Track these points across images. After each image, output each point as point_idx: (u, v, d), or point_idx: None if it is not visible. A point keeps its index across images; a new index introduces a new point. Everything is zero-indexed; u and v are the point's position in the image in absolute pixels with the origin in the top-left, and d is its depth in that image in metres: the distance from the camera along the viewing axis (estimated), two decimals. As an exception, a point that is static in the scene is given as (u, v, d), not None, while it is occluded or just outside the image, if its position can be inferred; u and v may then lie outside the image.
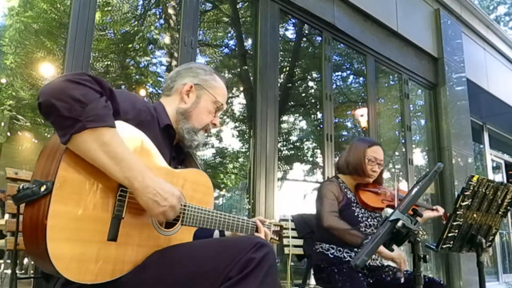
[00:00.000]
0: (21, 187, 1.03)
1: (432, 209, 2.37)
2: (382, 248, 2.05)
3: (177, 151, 1.46)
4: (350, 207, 2.29)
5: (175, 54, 3.94)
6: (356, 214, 2.28)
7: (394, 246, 2.16)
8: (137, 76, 4.89)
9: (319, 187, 2.42)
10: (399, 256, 2.02)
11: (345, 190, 2.34)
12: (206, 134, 1.50)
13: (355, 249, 2.22)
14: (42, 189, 1.00)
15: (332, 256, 2.23)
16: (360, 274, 2.19)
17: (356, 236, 2.07)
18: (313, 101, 6.25)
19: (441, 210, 2.42)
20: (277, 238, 1.70)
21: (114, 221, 1.10)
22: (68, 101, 1.01)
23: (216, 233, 1.62)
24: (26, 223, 1.04)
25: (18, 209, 1.08)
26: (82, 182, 1.06)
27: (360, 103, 5.69)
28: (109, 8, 4.06)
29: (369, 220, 2.30)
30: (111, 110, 1.09)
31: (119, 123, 1.12)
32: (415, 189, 1.41)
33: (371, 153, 2.31)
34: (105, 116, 1.06)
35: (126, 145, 1.10)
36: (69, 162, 1.04)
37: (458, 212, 1.84)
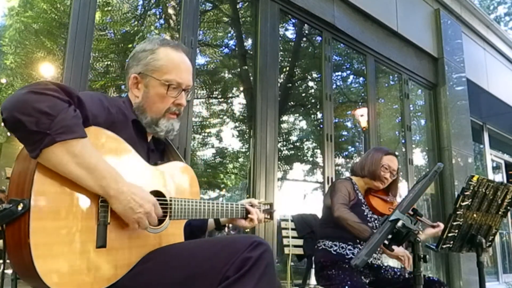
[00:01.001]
0: None
1: (433, 226, 2.38)
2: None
3: (155, 143, 1.43)
4: (360, 207, 2.35)
5: (175, 54, 3.94)
6: (365, 213, 2.34)
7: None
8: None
9: (332, 183, 2.49)
10: (403, 253, 2.08)
11: (357, 191, 2.41)
12: (175, 119, 1.37)
13: (359, 246, 2.26)
14: (20, 208, 0.96)
15: (335, 253, 2.26)
16: (361, 273, 2.20)
17: (365, 230, 2.11)
18: (313, 101, 6.25)
19: (441, 226, 2.42)
20: (269, 217, 1.68)
21: (100, 227, 1.08)
22: (35, 115, 0.96)
23: (211, 220, 1.62)
24: (9, 244, 1.01)
25: (2, 229, 1.04)
26: (60, 194, 1.03)
27: (360, 103, 5.69)
28: (109, 8, 4.05)
29: (376, 222, 2.34)
30: (80, 119, 1.05)
31: (90, 129, 1.09)
32: (415, 189, 1.42)
33: (386, 161, 2.41)
34: (74, 127, 1.02)
35: (98, 154, 1.07)
36: (43, 176, 1.00)
37: (458, 212, 1.84)
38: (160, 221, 1.24)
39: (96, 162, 1.05)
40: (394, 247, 2.10)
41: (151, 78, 1.33)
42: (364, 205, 2.37)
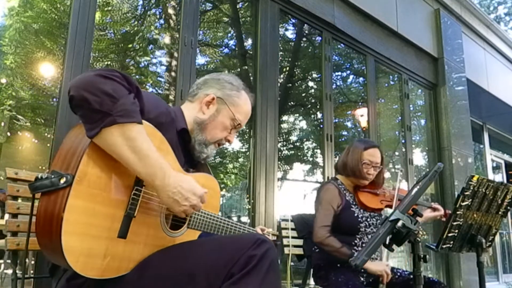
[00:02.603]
0: (39, 176, 1.03)
1: (433, 208, 2.37)
2: (367, 264, 2.07)
3: (191, 155, 1.47)
4: (350, 209, 2.29)
5: (175, 54, 3.94)
6: (356, 214, 2.28)
7: (384, 259, 2.19)
8: (137, 76, 4.88)
9: (318, 189, 2.43)
10: (382, 271, 2.08)
11: (344, 192, 2.34)
12: (216, 149, 1.49)
13: (355, 248, 2.24)
14: (62, 181, 1.00)
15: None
16: (359, 273, 2.20)
17: (344, 254, 2.11)
18: (313, 101, 6.25)
19: (441, 209, 2.42)
20: None
21: (126, 219, 1.11)
22: (100, 95, 1.02)
23: None
24: (40, 214, 1.04)
25: (33, 197, 1.08)
26: (100, 178, 1.07)
27: (360, 103, 5.69)
28: (109, 8, 4.05)
29: (368, 219, 2.30)
30: (138, 107, 1.11)
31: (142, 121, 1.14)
32: (415, 189, 1.42)
33: (367, 156, 2.30)
34: (133, 112, 1.07)
35: (151, 143, 1.11)
36: (90, 158, 1.05)
37: (458, 212, 1.84)
38: (178, 226, 1.29)
39: (148, 149, 1.09)
40: (374, 263, 2.15)
41: (226, 108, 1.45)
42: (353, 206, 2.31)
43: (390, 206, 2.36)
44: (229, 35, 5.42)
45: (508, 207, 1.97)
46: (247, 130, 4.97)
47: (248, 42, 4.96)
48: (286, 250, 2.49)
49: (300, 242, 2.56)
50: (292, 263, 2.64)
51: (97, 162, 1.06)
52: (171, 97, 3.77)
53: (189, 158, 1.46)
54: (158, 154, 1.11)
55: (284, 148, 6.07)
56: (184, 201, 1.14)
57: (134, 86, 1.14)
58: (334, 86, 5.07)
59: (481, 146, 8.63)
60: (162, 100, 1.36)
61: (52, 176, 1.01)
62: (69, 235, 1.00)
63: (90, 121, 1.04)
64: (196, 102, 1.47)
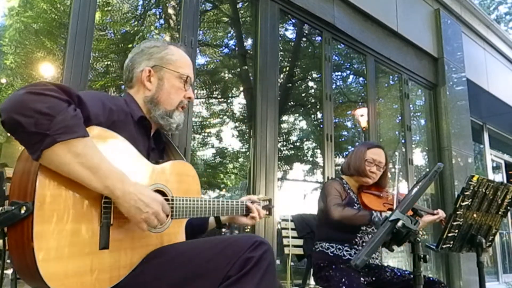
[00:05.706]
0: (0, 210, 0.97)
1: (433, 214, 2.38)
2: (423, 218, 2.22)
3: (156, 141, 1.43)
4: (352, 206, 2.33)
5: (175, 54, 3.94)
6: None
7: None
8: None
9: (323, 185, 2.47)
10: (436, 216, 2.26)
11: (348, 190, 2.39)
12: (182, 112, 1.43)
13: (355, 247, 2.25)
14: (22, 211, 0.95)
15: (332, 254, 2.26)
16: (359, 273, 2.20)
17: (364, 216, 2.16)
18: (313, 101, 6.24)
19: (442, 214, 2.42)
20: (268, 213, 1.67)
21: (103, 229, 1.08)
22: (33, 115, 0.94)
23: (212, 219, 1.62)
24: (12, 247, 1.00)
25: (3, 232, 1.04)
26: (63, 197, 1.02)
27: (360, 103, 5.69)
28: (109, 8, 4.05)
29: None
30: (81, 118, 1.03)
31: (91, 129, 1.08)
32: (415, 189, 1.42)
33: (370, 155, 2.38)
34: (75, 127, 1.00)
35: (101, 153, 1.05)
36: (45, 178, 0.99)
37: (458, 212, 1.84)
38: None
39: (100, 161, 1.03)
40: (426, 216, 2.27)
41: (166, 71, 1.39)
42: (356, 204, 2.35)
43: (392, 210, 2.37)
44: (229, 35, 5.41)
45: (508, 207, 1.97)
46: (247, 130, 4.97)
47: (248, 42, 4.96)
48: (286, 250, 2.49)
49: (300, 242, 2.57)
50: (292, 263, 2.64)
51: (55, 181, 1.00)
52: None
53: (155, 143, 1.41)
54: (112, 164, 1.05)
55: (284, 148, 6.07)
56: (145, 208, 1.09)
57: (74, 95, 1.06)
58: (334, 86, 5.07)
59: (481, 146, 8.63)
60: (109, 97, 1.28)
61: (12, 208, 0.95)
62: (46, 262, 0.96)
63: (28, 145, 0.97)
64: (136, 85, 1.40)
